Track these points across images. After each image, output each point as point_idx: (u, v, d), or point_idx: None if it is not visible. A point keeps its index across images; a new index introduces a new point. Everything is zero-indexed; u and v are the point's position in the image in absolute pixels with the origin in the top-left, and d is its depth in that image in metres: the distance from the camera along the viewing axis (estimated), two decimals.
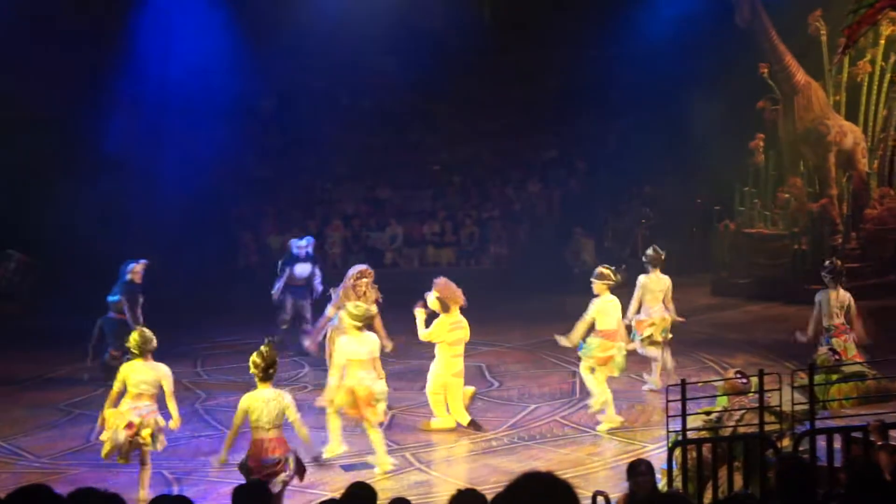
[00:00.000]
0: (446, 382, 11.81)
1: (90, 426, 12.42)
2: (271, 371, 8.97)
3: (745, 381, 9.74)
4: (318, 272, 15.43)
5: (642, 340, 12.83)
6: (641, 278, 13.01)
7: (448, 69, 23.60)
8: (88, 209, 19.70)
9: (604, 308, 11.82)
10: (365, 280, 12.59)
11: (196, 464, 10.76)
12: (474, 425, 11.76)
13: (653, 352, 12.95)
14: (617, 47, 21.83)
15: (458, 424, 11.81)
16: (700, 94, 21.38)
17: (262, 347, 9.02)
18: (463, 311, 11.89)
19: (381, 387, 10.56)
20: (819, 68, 18.54)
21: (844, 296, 11.77)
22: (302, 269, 15.30)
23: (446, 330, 11.74)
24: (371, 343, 10.60)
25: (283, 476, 8.79)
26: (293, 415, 8.98)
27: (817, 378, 9.65)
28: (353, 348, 10.53)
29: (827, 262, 12.16)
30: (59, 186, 19.86)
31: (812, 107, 18.43)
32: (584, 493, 8.47)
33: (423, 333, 11.80)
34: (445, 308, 11.77)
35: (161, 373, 9.82)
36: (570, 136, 24.77)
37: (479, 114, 25.04)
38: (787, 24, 18.32)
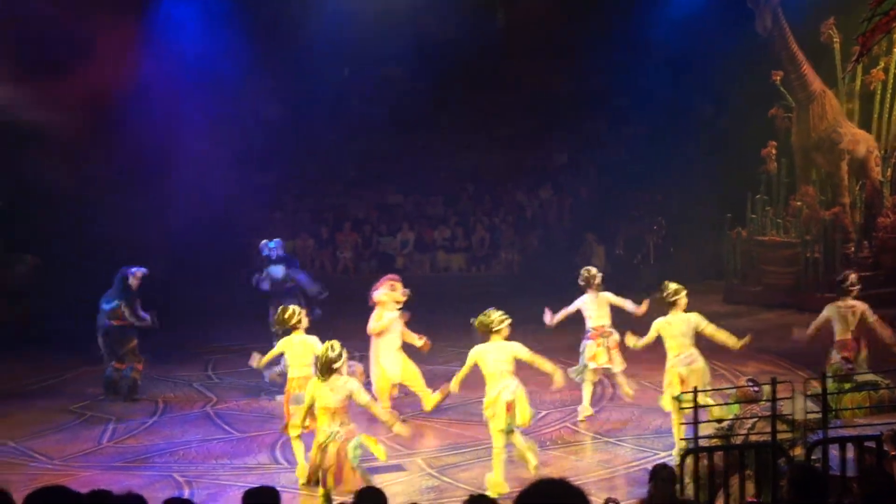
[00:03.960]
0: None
1: (101, 428, 12.49)
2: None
3: (756, 388, 9.72)
4: (300, 276, 15.17)
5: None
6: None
7: (459, 75, 23.61)
8: (101, 214, 19.72)
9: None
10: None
11: (207, 467, 10.76)
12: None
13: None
14: (628, 54, 21.82)
15: None
16: (711, 101, 21.33)
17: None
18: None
19: None
20: (832, 76, 18.48)
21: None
22: (276, 271, 15.09)
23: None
24: None
25: None
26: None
27: (830, 387, 9.62)
28: None
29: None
30: (73, 193, 19.87)
31: (826, 115, 18.38)
32: (596, 500, 8.47)
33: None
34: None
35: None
36: (582, 142, 24.76)
37: (491, 120, 25.03)
38: (799, 32, 18.27)
